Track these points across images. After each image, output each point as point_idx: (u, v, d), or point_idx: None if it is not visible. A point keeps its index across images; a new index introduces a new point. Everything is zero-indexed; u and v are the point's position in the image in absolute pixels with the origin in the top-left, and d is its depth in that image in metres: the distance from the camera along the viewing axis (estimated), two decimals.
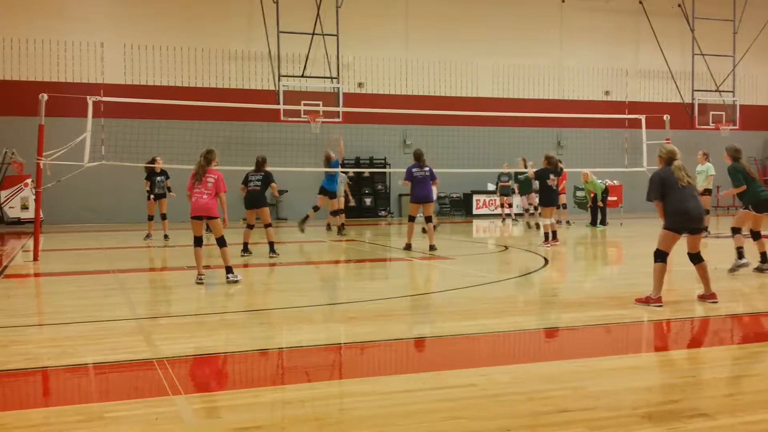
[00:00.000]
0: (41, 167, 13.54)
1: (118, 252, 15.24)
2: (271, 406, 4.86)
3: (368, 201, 27.14)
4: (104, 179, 22.44)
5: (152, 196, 17.19)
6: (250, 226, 13.80)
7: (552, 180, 15.08)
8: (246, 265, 12.44)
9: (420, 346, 6.61)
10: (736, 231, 11.27)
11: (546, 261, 12.98)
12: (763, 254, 11.24)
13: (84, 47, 24.37)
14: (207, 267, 11.25)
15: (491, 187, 27.22)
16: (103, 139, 15.44)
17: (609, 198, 21.74)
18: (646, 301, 8.42)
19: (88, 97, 14.51)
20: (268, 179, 13.64)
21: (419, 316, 8.17)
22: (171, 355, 6.07)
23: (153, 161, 17.07)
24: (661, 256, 8.50)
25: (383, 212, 27.32)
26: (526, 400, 4.84)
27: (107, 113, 17.12)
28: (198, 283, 10.18)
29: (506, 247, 15.27)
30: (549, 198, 15.28)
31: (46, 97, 13.53)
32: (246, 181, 13.67)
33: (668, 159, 8.50)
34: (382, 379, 5.53)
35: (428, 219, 14.62)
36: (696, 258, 8.75)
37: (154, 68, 25.10)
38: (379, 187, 27.43)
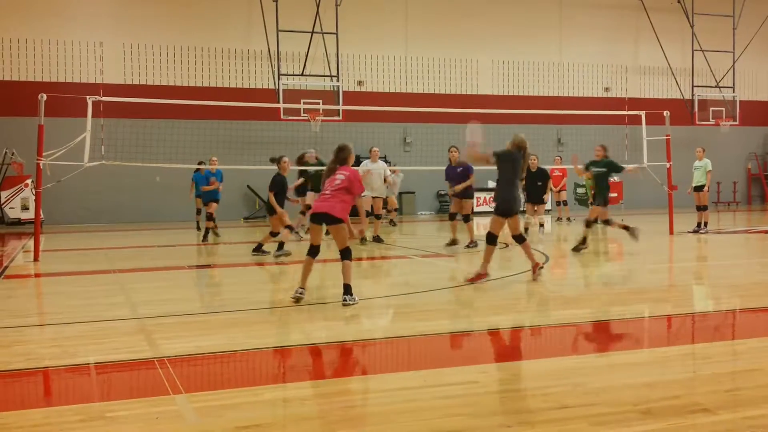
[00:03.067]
0: (41, 167, 13.55)
1: (118, 252, 15.24)
2: (272, 405, 4.87)
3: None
4: (104, 179, 22.45)
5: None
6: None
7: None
8: (261, 264, 12.45)
9: (420, 344, 6.61)
10: None
11: (546, 258, 12.98)
12: None
13: (83, 47, 24.38)
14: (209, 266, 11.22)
15: (492, 184, 27.20)
16: (102, 139, 15.44)
17: (609, 194, 21.68)
18: (475, 278, 9.72)
19: (87, 97, 14.50)
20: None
21: (419, 314, 8.17)
22: (172, 354, 6.07)
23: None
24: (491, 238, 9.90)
25: (384, 210, 27.25)
26: (525, 396, 4.85)
27: (107, 113, 17.14)
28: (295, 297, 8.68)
29: (507, 245, 15.27)
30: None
31: (45, 97, 13.53)
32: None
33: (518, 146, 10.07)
34: (382, 376, 5.53)
35: (466, 218, 14.79)
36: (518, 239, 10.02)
37: (154, 68, 25.11)
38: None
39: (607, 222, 13.92)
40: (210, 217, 17.13)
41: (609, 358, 6.06)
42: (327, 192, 8.71)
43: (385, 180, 16.89)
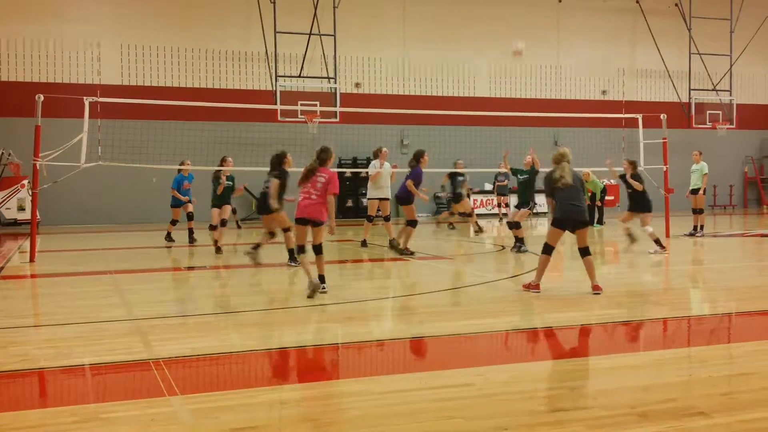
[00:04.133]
0: (38, 168, 13.53)
1: (114, 253, 15.22)
2: (268, 407, 4.86)
3: (366, 201, 27.05)
4: (101, 180, 22.43)
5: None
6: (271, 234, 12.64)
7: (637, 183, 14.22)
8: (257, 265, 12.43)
9: (416, 346, 6.60)
10: None
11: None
12: None
13: (81, 48, 24.36)
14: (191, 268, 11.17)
15: (488, 186, 27.25)
16: (99, 140, 15.40)
17: (606, 197, 21.76)
18: (527, 287, 9.32)
19: (84, 97, 14.49)
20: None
21: (415, 316, 8.16)
22: (167, 355, 6.06)
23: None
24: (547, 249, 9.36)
25: (380, 212, 27.24)
26: (523, 399, 4.84)
27: (104, 114, 17.07)
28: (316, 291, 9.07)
29: (503, 247, 15.26)
30: (640, 203, 14.16)
31: (42, 97, 13.51)
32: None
33: (557, 160, 9.39)
34: (378, 378, 5.52)
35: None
36: (584, 251, 9.38)
37: (151, 69, 25.10)
38: None
39: (514, 226, 14.23)
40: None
41: (605, 361, 6.05)
42: (311, 195, 9.18)
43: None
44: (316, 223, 9.20)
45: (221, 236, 14.63)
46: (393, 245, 14.27)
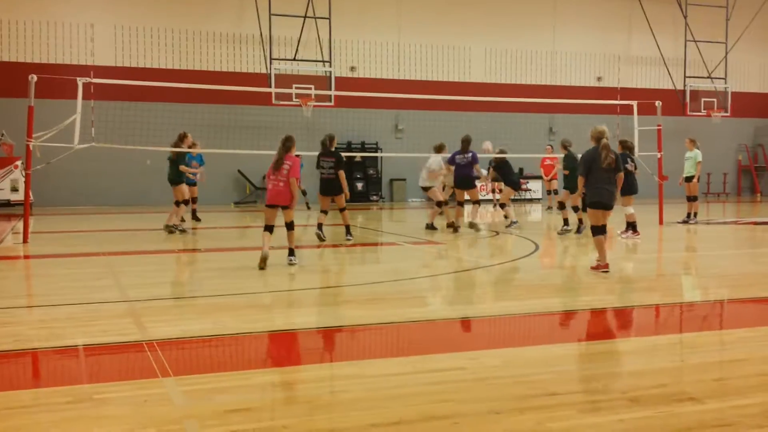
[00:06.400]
0: (31, 149, 13.47)
1: (108, 234, 15.19)
2: (261, 389, 4.87)
3: (360, 186, 27.10)
4: (94, 161, 22.33)
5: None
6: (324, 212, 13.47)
7: (630, 165, 14.23)
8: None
9: (409, 330, 6.62)
10: None
11: (536, 246, 13.01)
12: None
13: (74, 28, 24.19)
14: (194, 250, 11.15)
15: (483, 172, 27.20)
16: (93, 121, 15.32)
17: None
18: (596, 268, 9.46)
19: (78, 78, 14.41)
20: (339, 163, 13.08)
21: (409, 300, 8.18)
22: (160, 337, 6.06)
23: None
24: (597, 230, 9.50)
25: (375, 197, 27.30)
26: (515, 383, 4.86)
27: (97, 95, 16.98)
28: (264, 262, 9.97)
29: (497, 233, 15.29)
30: (629, 185, 13.82)
31: (35, 78, 13.43)
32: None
33: (597, 137, 9.42)
34: (371, 362, 5.54)
35: (475, 202, 15.46)
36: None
37: (145, 50, 24.95)
38: (371, 171, 27.38)
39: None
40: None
41: (597, 346, 6.08)
42: (279, 183, 10.15)
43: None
44: (285, 207, 10.28)
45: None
46: (473, 225, 15.18)
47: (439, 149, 15.66)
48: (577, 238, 13.99)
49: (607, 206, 9.42)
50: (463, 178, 15.00)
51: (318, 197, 13.48)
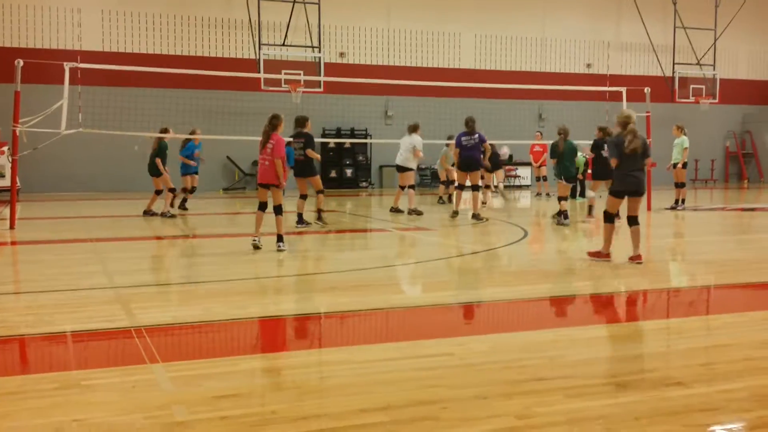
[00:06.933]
0: (17, 134, 13.36)
1: (95, 221, 15.12)
2: (250, 374, 4.87)
3: (349, 172, 27.06)
4: (82, 147, 22.21)
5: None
6: (303, 197, 13.44)
7: (606, 151, 14.25)
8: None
9: (398, 316, 6.63)
10: None
11: (525, 233, 13.04)
12: None
13: (61, 13, 23.98)
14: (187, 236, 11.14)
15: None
16: (80, 106, 15.22)
17: (588, 171, 21.76)
18: (597, 255, 9.45)
19: (64, 63, 14.30)
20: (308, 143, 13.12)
21: (398, 287, 8.18)
22: (148, 323, 6.05)
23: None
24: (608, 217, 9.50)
25: (364, 183, 27.27)
26: (502, 368, 4.88)
27: (84, 80, 16.85)
28: (253, 246, 10.29)
29: (486, 219, 15.31)
30: (603, 171, 14.00)
31: (22, 63, 13.31)
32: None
33: (623, 123, 9.20)
34: (360, 348, 5.54)
35: (475, 188, 14.94)
36: (632, 220, 9.41)
37: (132, 35, 24.77)
38: (360, 158, 27.32)
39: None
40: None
41: (585, 331, 6.10)
42: (265, 161, 10.19)
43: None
44: (273, 186, 10.25)
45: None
46: (475, 216, 14.77)
47: (414, 129, 15.71)
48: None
49: (637, 192, 9.31)
50: (469, 159, 14.76)
51: (296, 181, 13.49)
